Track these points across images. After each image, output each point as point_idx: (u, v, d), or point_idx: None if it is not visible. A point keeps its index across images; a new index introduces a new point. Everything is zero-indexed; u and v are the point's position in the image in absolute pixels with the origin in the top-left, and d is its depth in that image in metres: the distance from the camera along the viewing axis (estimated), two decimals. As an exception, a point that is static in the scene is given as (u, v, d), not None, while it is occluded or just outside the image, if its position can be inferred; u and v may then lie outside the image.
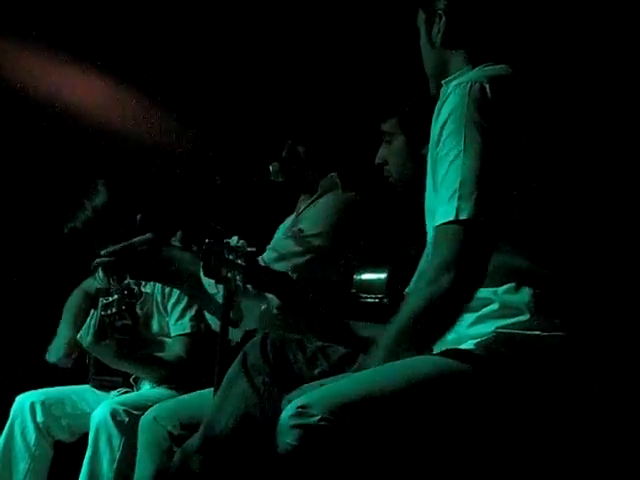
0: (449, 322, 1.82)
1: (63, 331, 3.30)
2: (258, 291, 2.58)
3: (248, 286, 2.45)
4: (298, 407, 1.70)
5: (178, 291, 3.19)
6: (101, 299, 3.07)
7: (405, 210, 2.65)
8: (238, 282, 2.42)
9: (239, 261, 2.44)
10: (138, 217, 2.64)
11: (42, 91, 3.60)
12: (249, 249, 2.46)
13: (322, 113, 3.00)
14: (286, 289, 2.52)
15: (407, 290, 2.53)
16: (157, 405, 2.78)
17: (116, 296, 3.04)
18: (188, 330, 3.19)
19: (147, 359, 3.17)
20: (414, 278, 2.55)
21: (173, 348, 3.20)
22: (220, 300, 2.57)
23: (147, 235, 2.63)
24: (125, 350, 3.08)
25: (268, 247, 2.81)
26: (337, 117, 2.99)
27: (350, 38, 3.34)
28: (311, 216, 2.86)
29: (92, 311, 3.05)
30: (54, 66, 3.63)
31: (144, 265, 2.66)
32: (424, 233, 2.51)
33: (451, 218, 1.78)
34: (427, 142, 2.48)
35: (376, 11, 3.25)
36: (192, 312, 3.19)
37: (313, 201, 2.93)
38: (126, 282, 3.21)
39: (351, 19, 3.34)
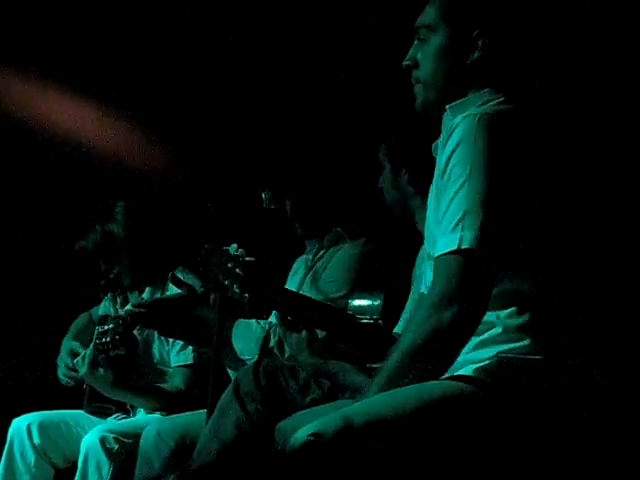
0: (451, 356, 1.79)
1: (65, 348, 3.29)
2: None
3: (245, 295, 2.44)
4: (309, 435, 1.67)
5: None
6: (97, 327, 3.05)
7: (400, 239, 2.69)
8: (235, 290, 2.42)
9: (237, 270, 2.44)
10: (170, 274, 2.65)
11: (39, 118, 3.63)
12: (248, 258, 2.45)
13: (308, 168, 3.00)
14: (285, 303, 2.54)
15: (403, 315, 2.55)
16: (161, 421, 2.80)
17: (111, 325, 3.03)
18: (190, 361, 3.16)
19: (143, 389, 3.14)
20: (407, 303, 2.57)
21: (173, 379, 3.18)
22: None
23: (180, 292, 2.61)
24: (120, 380, 3.05)
25: None
26: (323, 173, 2.99)
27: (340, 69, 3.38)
28: (330, 277, 2.86)
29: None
30: (50, 94, 3.66)
31: (175, 323, 2.68)
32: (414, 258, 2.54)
33: (453, 248, 1.76)
34: (407, 171, 2.61)
35: (362, 47, 3.29)
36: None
37: (322, 255, 2.94)
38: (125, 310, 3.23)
39: (338, 54, 3.38)
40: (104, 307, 3.38)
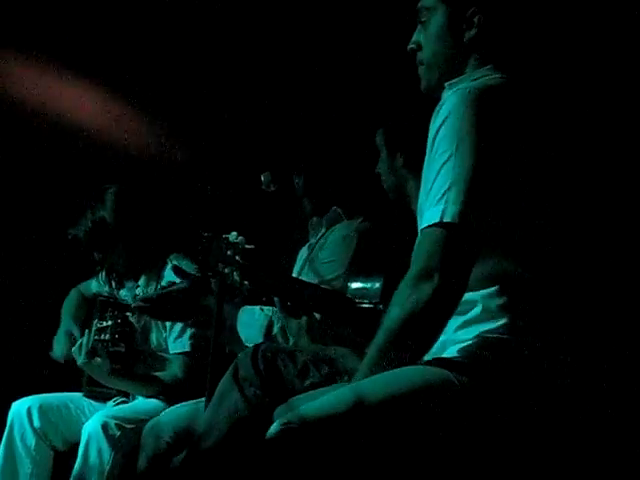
0: (434, 331, 1.78)
1: (64, 327, 3.28)
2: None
3: (245, 282, 2.45)
4: (284, 424, 1.67)
5: None
6: (95, 322, 3.05)
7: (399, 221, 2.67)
8: (235, 277, 2.42)
9: (237, 257, 2.43)
10: (171, 264, 2.67)
11: (38, 100, 3.61)
12: (248, 246, 2.44)
13: (318, 144, 3.00)
14: (285, 289, 2.53)
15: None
16: (157, 416, 2.77)
17: (110, 322, 3.02)
18: (187, 349, 3.14)
19: (140, 378, 3.13)
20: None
21: (171, 366, 3.15)
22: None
23: (183, 283, 2.63)
24: (118, 369, 3.05)
25: None
26: (333, 147, 2.99)
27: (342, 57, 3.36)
28: (326, 257, 2.85)
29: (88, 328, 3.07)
30: (50, 77, 3.64)
31: (179, 312, 2.70)
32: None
33: (436, 221, 1.75)
34: (402, 154, 2.60)
35: (365, 30, 3.27)
36: (192, 330, 3.14)
37: (321, 236, 2.93)
38: (123, 290, 3.24)
39: (341, 36, 3.36)
40: (96, 285, 3.38)
